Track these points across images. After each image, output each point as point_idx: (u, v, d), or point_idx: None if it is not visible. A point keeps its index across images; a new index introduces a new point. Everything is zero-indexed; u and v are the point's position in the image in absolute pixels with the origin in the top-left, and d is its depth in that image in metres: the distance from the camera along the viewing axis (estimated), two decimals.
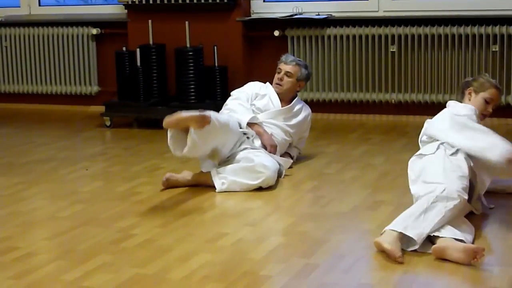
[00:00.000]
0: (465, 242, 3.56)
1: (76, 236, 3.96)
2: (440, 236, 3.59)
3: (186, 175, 4.86)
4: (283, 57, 5.38)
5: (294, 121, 5.31)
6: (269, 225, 4.19)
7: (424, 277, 3.40)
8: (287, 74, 5.28)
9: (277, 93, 5.29)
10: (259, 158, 4.78)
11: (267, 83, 5.40)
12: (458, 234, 3.60)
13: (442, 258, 3.49)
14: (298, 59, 5.43)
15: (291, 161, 5.26)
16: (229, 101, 5.26)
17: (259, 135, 5.10)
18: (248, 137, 5.01)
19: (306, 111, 5.42)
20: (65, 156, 5.80)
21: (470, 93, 4.36)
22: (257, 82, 5.43)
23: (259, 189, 4.71)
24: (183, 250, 3.70)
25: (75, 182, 5.06)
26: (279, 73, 5.31)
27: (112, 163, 5.61)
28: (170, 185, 4.80)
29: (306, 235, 3.92)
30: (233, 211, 4.49)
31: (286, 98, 5.32)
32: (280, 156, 5.18)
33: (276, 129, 5.22)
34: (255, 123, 5.13)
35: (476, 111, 4.30)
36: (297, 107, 5.35)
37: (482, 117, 4.36)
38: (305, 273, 3.39)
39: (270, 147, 5.07)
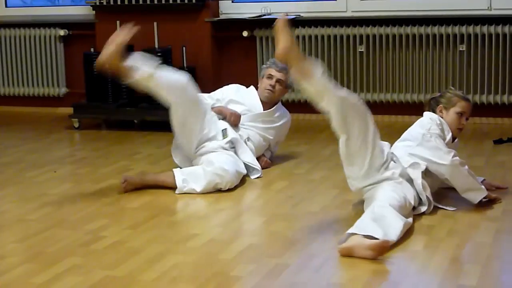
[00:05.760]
0: (375, 238, 3.55)
1: (45, 239, 3.93)
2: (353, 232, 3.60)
3: (143, 175, 4.83)
4: (271, 63, 5.25)
5: (273, 125, 5.26)
6: (239, 226, 4.19)
7: (394, 276, 3.41)
8: (279, 81, 5.20)
9: (266, 98, 5.23)
10: (219, 161, 4.74)
11: (251, 87, 5.35)
12: (369, 230, 3.60)
13: (350, 256, 3.52)
14: (284, 65, 5.39)
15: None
16: None
17: (220, 113, 5.06)
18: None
19: (286, 117, 5.37)
20: (33, 158, 5.75)
21: (441, 111, 4.37)
22: (233, 86, 5.36)
23: (229, 189, 4.70)
24: (154, 252, 3.68)
25: (44, 185, 5.02)
26: (270, 78, 5.21)
27: (81, 165, 5.58)
28: (128, 188, 4.72)
29: (276, 235, 3.93)
30: (203, 212, 4.49)
31: (270, 103, 5.27)
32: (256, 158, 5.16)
33: (254, 133, 5.18)
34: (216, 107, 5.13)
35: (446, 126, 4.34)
36: (278, 113, 5.31)
37: (458, 131, 4.39)
38: (276, 273, 3.40)
39: (232, 116, 5.07)
